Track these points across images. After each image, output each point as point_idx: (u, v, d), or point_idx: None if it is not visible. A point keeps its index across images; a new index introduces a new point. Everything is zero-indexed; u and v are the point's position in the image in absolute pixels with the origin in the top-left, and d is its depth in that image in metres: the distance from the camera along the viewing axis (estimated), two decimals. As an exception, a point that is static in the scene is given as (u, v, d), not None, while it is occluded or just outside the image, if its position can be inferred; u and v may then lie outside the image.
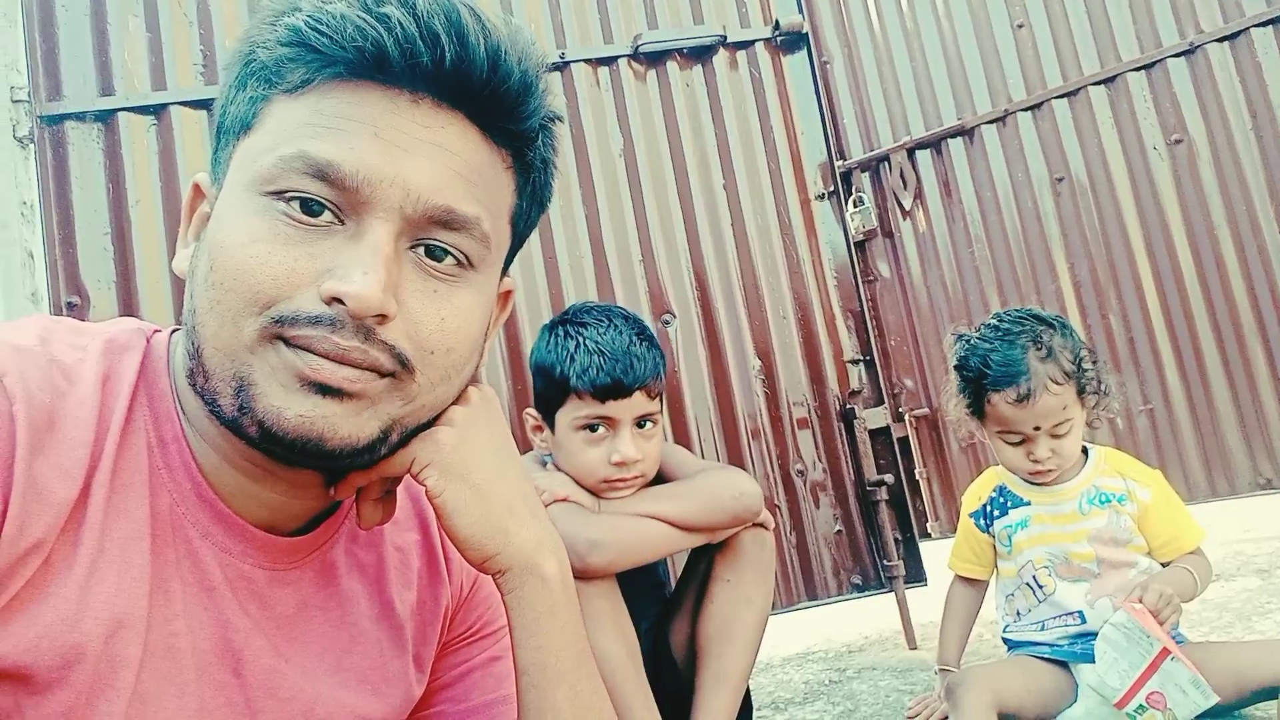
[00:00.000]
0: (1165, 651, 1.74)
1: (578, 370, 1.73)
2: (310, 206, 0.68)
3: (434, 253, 0.72)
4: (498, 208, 0.77)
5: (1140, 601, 1.81)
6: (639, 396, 1.75)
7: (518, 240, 0.85)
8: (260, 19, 0.73)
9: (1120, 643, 1.79)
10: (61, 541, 0.65)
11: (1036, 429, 2.00)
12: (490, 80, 0.72)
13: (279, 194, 0.68)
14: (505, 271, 0.85)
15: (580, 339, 1.75)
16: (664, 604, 2.01)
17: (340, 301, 0.66)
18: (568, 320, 1.83)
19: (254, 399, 0.67)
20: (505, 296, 0.88)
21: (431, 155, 0.71)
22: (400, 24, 0.67)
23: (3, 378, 0.64)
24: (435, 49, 0.68)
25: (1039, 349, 1.99)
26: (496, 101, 0.73)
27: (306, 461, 0.71)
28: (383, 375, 0.70)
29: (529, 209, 0.84)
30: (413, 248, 0.72)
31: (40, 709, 0.64)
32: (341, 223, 0.69)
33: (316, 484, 0.79)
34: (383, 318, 0.68)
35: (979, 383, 2.04)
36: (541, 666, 0.83)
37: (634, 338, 1.77)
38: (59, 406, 0.67)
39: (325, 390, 0.67)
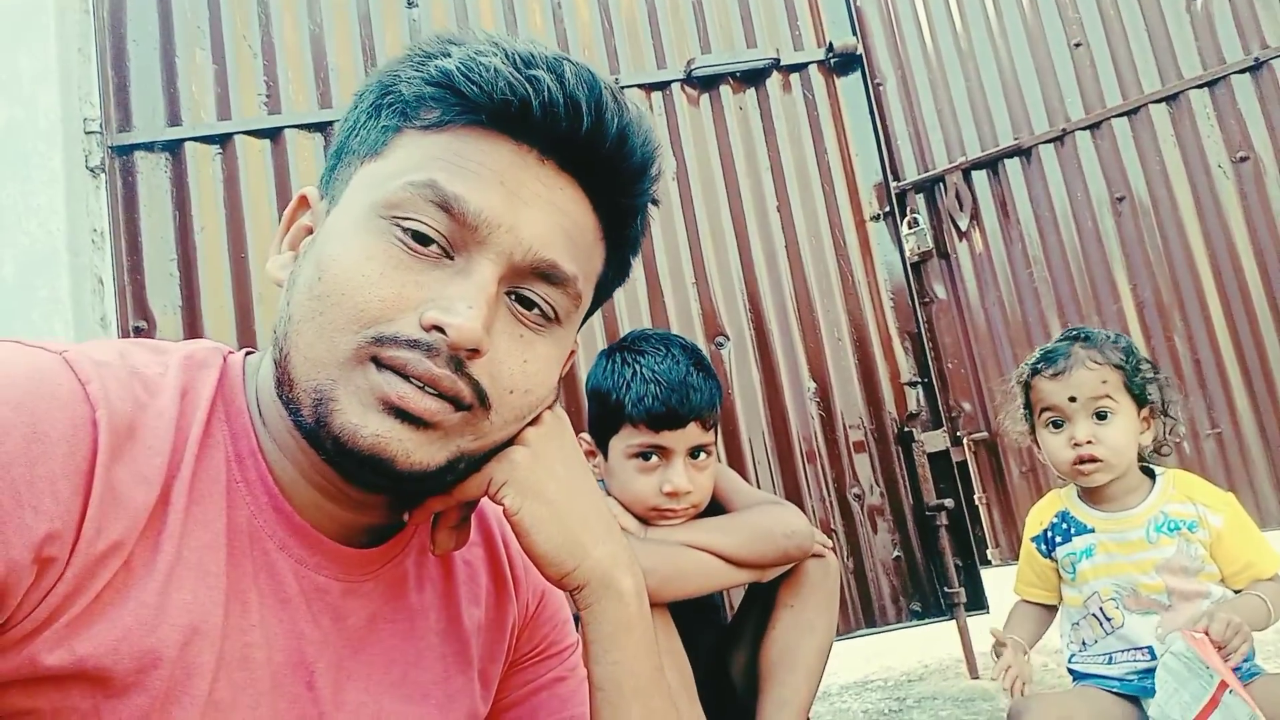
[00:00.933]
0: (1224, 685, 1.67)
1: (633, 398, 1.72)
2: (422, 237, 0.71)
3: (526, 302, 0.76)
4: (590, 272, 0.81)
5: (1206, 631, 1.74)
6: (693, 427, 1.74)
7: (594, 305, 0.88)
8: (406, 56, 0.77)
9: (1181, 673, 1.72)
10: (141, 546, 0.66)
11: (1073, 400, 1.98)
12: (614, 157, 0.77)
13: (398, 219, 0.71)
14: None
15: (637, 367, 1.75)
16: (725, 629, 2.00)
17: (440, 330, 0.69)
18: (625, 347, 1.82)
19: (331, 414, 0.69)
20: (568, 356, 0.89)
21: (547, 212, 0.75)
22: (549, 88, 0.71)
23: (86, 385, 0.65)
24: (574, 117, 0.73)
25: (1083, 340, 2.05)
26: (614, 176, 0.78)
27: (374, 481, 0.73)
28: (459, 408, 0.72)
29: (611, 280, 0.88)
30: (508, 293, 0.75)
31: (117, 712, 0.65)
32: (450, 258, 0.72)
33: (383, 505, 0.81)
34: (475, 353, 0.70)
35: (1028, 378, 2.09)
36: (617, 683, 0.84)
37: (691, 368, 1.75)
38: (139, 417, 0.68)
39: (405, 416, 0.69)
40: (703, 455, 1.78)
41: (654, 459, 1.74)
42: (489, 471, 0.80)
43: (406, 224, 0.71)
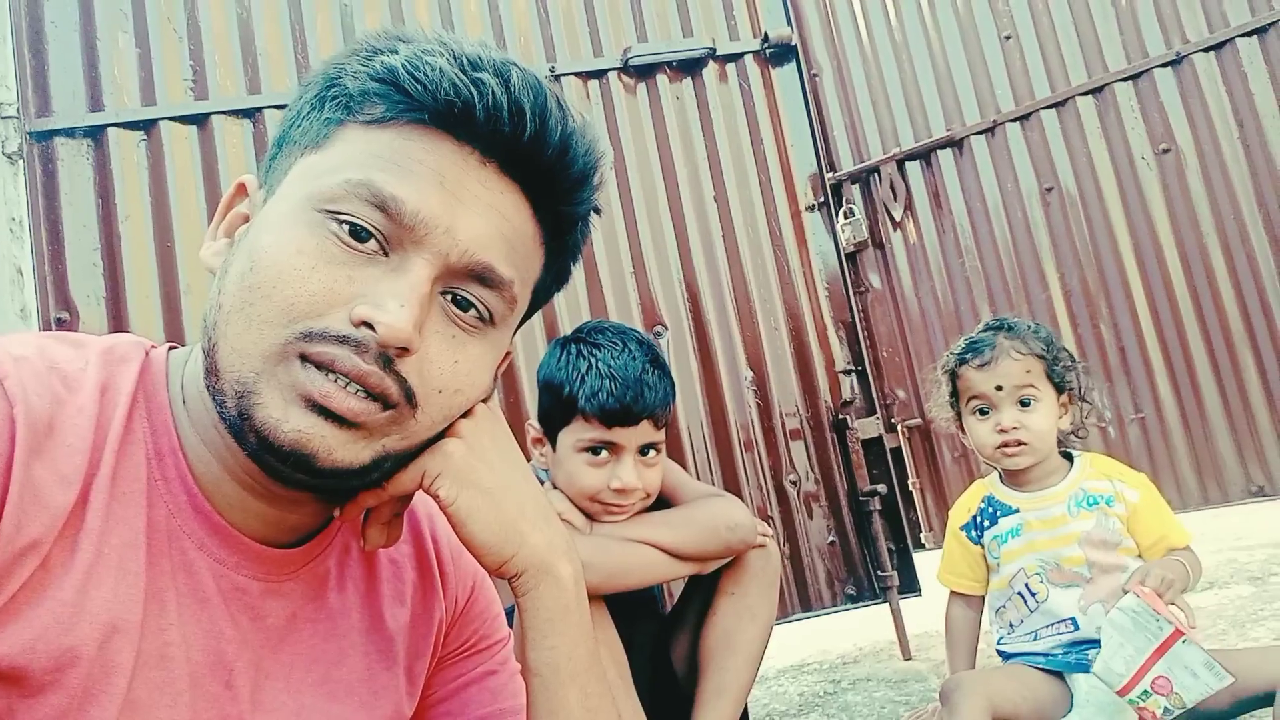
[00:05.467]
0: (1178, 633, 1.70)
1: (587, 393, 1.68)
2: (359, 233, 0.71)
3: (461, 303, 0.75)
4: (528, 276, 0.81)
5: (1143, 584, 1.81)
6: (646, 425, 1.72)
7: (533, 309, 0.88)
8: (353, 49, 0.77)
9: (1127, 627, 1.76)
10: (59, 546, 0.65)
11: (999, 389, 2.06)
12: (556, 164, 0.77)
13: (334, 214, 0.71)
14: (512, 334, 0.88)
15: (592, 360, 1.71)
16: (666, 617, 2.00)
17: (370, 327, 0.68)
18: (581, 339, 1.78)
19: (254, 407, 0.68)
20: (504, 357, 0.90)
21: (486, 215, 0.74)
22: (493, 91, 0.71)
23: (3, 381, 0.64)
24: (518, 122, 0.73)
25: (1007, 330, 2.13)
26: (555, 183, 0.78)
27: (296, 478, 0.72)
28: (386, 407, 0.71)
29: (550, 285, 0.88)
30: (443, 293, 0.75)
31: (34, 712, 0.64)
32: (385, 255, 0.72)
33: (312, 501, 0.80)
34: (405, 351, 0.70)
35: (954, 367, 2.16)
36: (554, 667, 0.85)
37: (647, 365, 1.73)
38: (58, 413, 0.67)
39: (328, 414, 0.69)
40: (652, 452, 1.76)
41: (604, 454, 1.72)
42: (423, 464, 0.79)
43: (342, 219, 0.70)
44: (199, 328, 0.75)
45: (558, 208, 0.80)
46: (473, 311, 0.76)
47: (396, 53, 0.73)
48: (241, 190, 0.82)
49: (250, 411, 0.68)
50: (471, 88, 0.71)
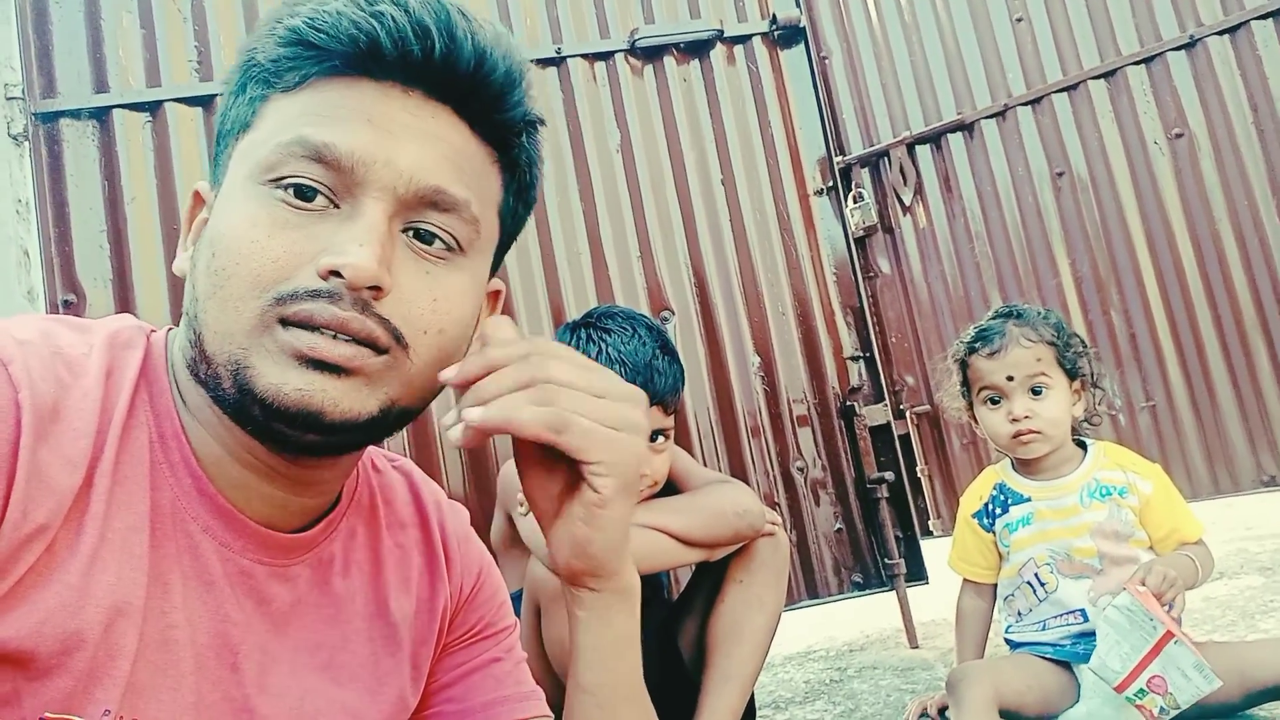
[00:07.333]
0: (1169, 634, 1.71)
1: None
2: (305, 192, 0.71)
3: (424, 236, 0.75)
4: (486, 197, 0.80)
5: (1143, 583, 1.80)
6: (655, 411, 1.72)
7: (506, 238, 0.87)
8: (259, 29, 0.77)
9: (1122, 625, 1.77)
10: (65, 530, 0.66)
11: (1010, 379, 2.05)
12: (476, 73, 0.75)
13: (277, 181, 0.71)
14: (495, 270, 0.87)
15: (602, 345, 1.71)
16: (674, 604, 2.00)
17: (338, 274, 0.68)
18: (591, 324, 1.79)
19: (252, 379, 0.68)
20: (494, 297, 0.89)
21: (422, 140, 0.74)
22: (393, 18, 0.71)
23: (8, 365, 0.65)
24: (425, 41, 0.72)
25: (1016, 318, 2.12)
26: (482, 94, 0.77)
27: (307, 441, 0.72)
28: (379, 352, 0.71)
29: (516, 206, 0.86)
30: (404, 230, 0.74)
31: (38, 695, 0.64)
32: (336, 206, 0.72)
33: (319, 480, 0.80)
34: (378, 290, 0.70)
35: (964, 356, 2.15)
36: (612, 688, 0.85)
37: (657, 350, 1.73)
38: (63, 397, 0.68)
39: (323, 366, 0.69)
40: (660, 438, 1.76)
41: None
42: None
43: (286, 182, 0.71)
44: (183, 320, 0.76)
45: (494, 118, 0.79)
46: (438, 243, 0.75)
47: (298, 15, 0.73)
48: (199, 200, 0.82)
49: (250, 384, 0.69)
50: (371, 20, 0.71)
